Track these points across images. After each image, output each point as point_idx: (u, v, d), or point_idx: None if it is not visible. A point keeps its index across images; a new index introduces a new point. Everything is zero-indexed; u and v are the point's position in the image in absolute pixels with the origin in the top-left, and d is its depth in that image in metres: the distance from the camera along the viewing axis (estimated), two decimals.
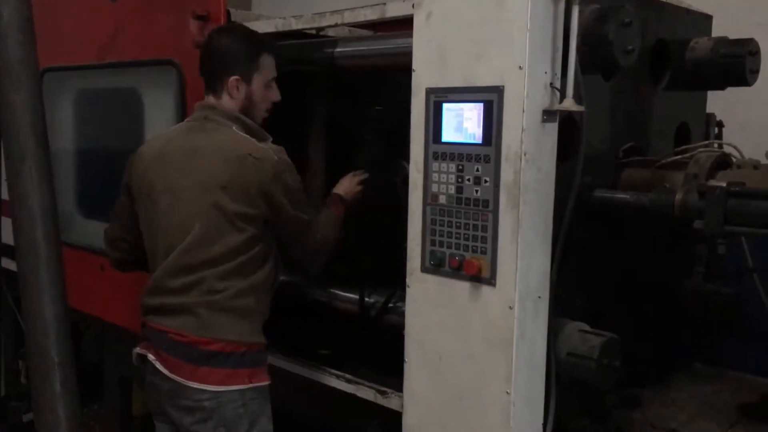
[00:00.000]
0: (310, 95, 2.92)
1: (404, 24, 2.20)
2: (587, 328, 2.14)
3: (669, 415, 2.49)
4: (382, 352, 2.45)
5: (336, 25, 2.61)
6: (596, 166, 2.33)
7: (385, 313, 2.62)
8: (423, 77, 2.13)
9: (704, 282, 2.75)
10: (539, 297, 2.04)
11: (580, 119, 2.05)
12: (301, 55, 2.79)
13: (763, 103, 3.24)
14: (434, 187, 2.13)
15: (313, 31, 2.89)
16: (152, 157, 2.39)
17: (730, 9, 3.09)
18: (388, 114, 2.64)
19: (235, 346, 2.26)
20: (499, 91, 1.95)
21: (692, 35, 2.68)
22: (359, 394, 2.48)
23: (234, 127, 2.33)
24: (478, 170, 2.03)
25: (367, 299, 2.70)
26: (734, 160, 2.37)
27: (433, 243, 2.14)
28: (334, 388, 2.57)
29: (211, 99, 2.40)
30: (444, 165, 2.11)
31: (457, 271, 2.07)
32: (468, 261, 2.03)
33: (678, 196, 2.18)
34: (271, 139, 2.39)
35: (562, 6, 1.97)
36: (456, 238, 2.09)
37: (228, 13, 2.83)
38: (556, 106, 1.97)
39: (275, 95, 2.46)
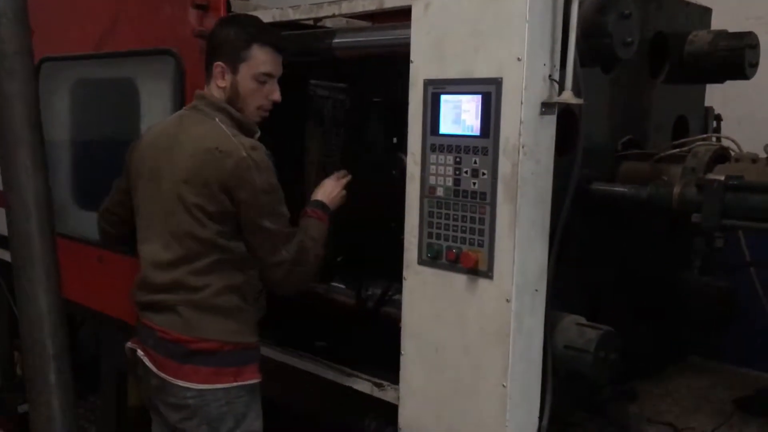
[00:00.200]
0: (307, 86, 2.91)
1: (402, 15, 2.19)
2: (584, 321, 2.14)
3: (665, 409, 2.50)
4: (379, 346, 2.45)
5: (334, 16, 2.59)
6: (594, 159, 2.32)
7: (382, 305, 2.62)
8: (421, 68, 2.12)
9: (701, 276, 2.75)
10: (536, 290, 2.03)
11: (579, 112, 2.04)
12: (299, 46, 2.77)
13: (761, 97, 3.23)
14: (432, 180, 2.12)
15: (311, 22, 2.87)
16: (147, 144, 2.38)
17: (730, 2, 3.08)
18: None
19: (220, 344, 2.24)
20: (497, 83, 1.94)
21: (691, 28, 2.67)
22: (356, 387, 2.48)
23: (218, 119, 2.27)
24: (475, 162, 2.02)
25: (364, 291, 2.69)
26: (732, 153, 2.36)
27: (430, 235, 2.14)
28: (330, 381, 2.57)
29: (204, 88, 2.38)
30: (441, 157, 2.09)
31: (454, 263, 2.06)
32: (465, 254, 2.03)
33: (676, 190, 2.17)
34: (258, 133, 2.33)
35: None
36: (453, 230, 2.08)
37: (228, 3, 2.81)
38: (555, 99, 1.96)
39: (273, 94, 2.34)
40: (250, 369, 2.31)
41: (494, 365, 2.01)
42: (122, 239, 2.54)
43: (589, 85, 2.04)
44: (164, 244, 2.26)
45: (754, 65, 2.60)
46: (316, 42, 2.68)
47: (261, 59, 2.30)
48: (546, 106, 1.96)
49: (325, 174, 2.58)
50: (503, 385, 1.99)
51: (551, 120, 2.00)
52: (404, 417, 2.27)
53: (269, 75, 2.33)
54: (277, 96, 2.36)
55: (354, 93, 2.92)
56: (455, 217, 2.07)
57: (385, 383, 2.38)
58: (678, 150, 2.44)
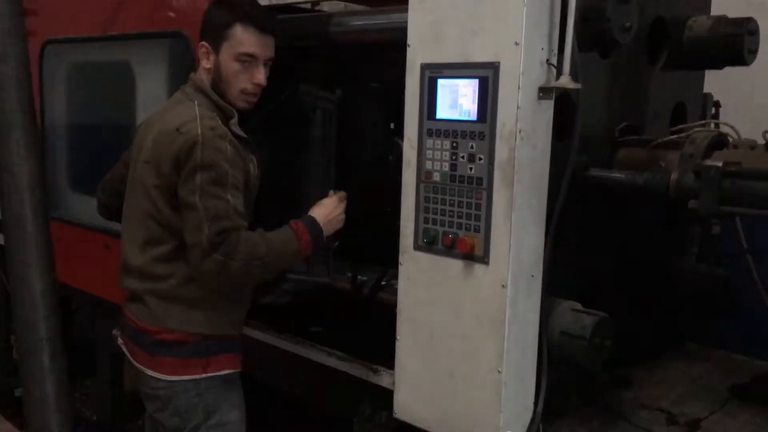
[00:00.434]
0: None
1: None
2: (580, 307, 2.14)
3: (660, 395, 2.50)
4: (375, 331, 2.44)
5: None
6: (592, 144, 2.31)
7: (378, 291, 2.61)
8: (418, 53, 2.10)
9: (697, 262, 2.75)
10: (532, 276, 2.02)
11: (577, 97, 2.02)
12: (296, 30, 2.75)
13: (760, 84, 3.22)
14: (428, 165, 2.11)
15: (308, 6, 2.85)
16: (143, 124, 2.38)
17: None
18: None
19: (185, 336, 2.20)
20: (494, 67, 1.93)
21: (691, 13, 2.65)
22: (351, 372, 2.48)
23: (197, 101, 2.21)
24: (472, 147, 2.00)
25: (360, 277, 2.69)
26: (731, 140, 2.35)
27: (426, 221, 2.13)
28: (325, 366, 2.56)
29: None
30: (438, 142, 2.08)
31: (450, 249, 2.06)
32: (461, 239, 2.02)
33: (673, 176, 2.16)
34: (235, 118, 2.23)
35: None
36: (449, 215, 2.07)
37: None
38: (553, 84, 1.95)
39: (256, 77, 2.23)
40: (221, 359, 2.25)
41: (489, 351, 2.00)
42: (114, 212, 2.48)
43: (587, 70, 2.02)
44: (136, 225, 2.25)
45: (754, 52, 2.58)
46: (313, 26, 2.65)
47: (242, 39, 2.20)
48: (543, 91, 1.95)
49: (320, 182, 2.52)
50: (498, 371, 1.99)
51: (549, 105, 1.98)
52: (399, 402, 2.27)
53: (251, 56, 2.21)
54: (259, 79, 2.23)
55: (351, 78, 2.89)
56: (451, 202, 2.06)
57: (380, 368, 2.38)
58: (676, 136, 2.42)
